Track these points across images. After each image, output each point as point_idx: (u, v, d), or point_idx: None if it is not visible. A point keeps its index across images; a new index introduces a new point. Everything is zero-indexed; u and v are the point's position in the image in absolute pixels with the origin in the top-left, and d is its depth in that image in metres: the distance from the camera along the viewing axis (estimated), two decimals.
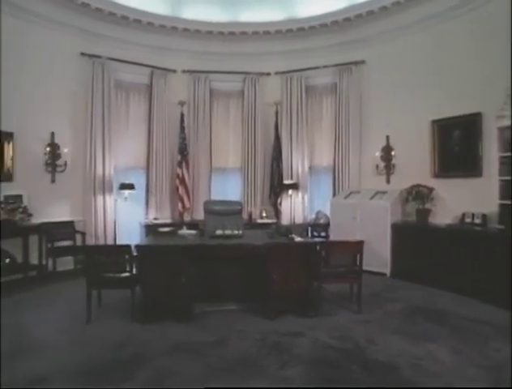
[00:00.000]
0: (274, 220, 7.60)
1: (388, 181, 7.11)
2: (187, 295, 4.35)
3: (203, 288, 4.65)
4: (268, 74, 8.17)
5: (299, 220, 7.84)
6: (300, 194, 7.90)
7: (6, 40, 6.04)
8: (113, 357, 3.51)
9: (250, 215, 7.75)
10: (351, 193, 7.14)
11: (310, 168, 8.05)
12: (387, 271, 6.36)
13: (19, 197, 6.15)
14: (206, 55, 7.97)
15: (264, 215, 7.81)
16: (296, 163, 7.95)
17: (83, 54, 6.96)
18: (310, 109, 8.07)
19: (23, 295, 5.42)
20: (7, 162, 6.11)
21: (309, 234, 7.37)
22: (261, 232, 5.57)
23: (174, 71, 7.92)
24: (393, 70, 7.06)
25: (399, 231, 6.30)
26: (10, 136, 6.11)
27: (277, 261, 4.45)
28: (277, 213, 7.87)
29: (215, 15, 7.76)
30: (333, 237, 6.95)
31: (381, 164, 7.15)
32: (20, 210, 5.94)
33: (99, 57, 7.06)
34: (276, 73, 8.15)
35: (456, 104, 6.05)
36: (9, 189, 6.08)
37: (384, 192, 6.73)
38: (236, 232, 4.94)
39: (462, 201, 5.89)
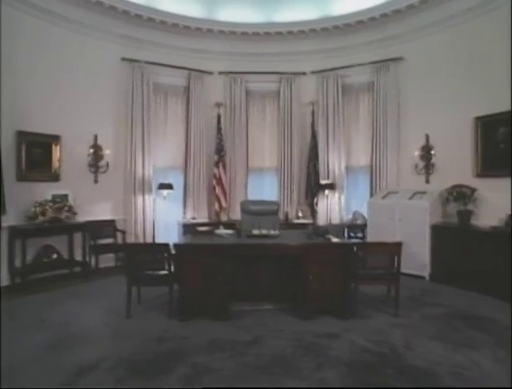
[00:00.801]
0: (310, 221, 7.58)
1: (427, 181, 6.90)
2: (224, 293, 4.42)
3: (239, 287, 4.69)
4: (304, 73, 8.14)
5: (335, 220, 7.76)
6: (336, 195, 7.81)
7: (52, 50, 6.40)
8: (152, 351, 3.64)
9: (286, 215, 7.76)
10: (388, 193, 6.99)
11: (347, 167, 7.94)
12: (426, 274, 6.18)
13: (65, 196, 6.49)
14: (242, 56, 8.04)
15: (300, 215, 7.79)
16: (333, 163, 7.87)
17: (123, 59, 7.22)
18: (347, 108, 7.97)
19: (68, 289, 5.73)
20: (55, 163, 6.46)
21: (346, 235, 7.28)
22: (297, 232, 5.57)
23: (211, 73, 8.04)
24: (432, 65, 6.83)
25: (439, 233, 6.10)
26: (57, 139, 6.46)
27: (313, 261, 4.43)
28: (313, 213, 7.82)
29: (250, 16, 7.82)
30: (370, 238, 6.83)
31: (420, 164, 6.94)
32: (66, 208, 6.26)
33: (138, 61, 7.30)
34: (312, 72, 8.10)
35: (501, 100, 5.77)
36: (56, 188, 6.44)
37: (423, 192, 6.54)
38: (272, 232, 4.96)
39: (507, 202, 5.62)
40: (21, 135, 6.07)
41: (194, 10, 7.61)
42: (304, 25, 7.75)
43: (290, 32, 7.87)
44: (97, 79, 6.92)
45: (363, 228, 7.21)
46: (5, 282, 5.76)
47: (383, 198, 6.94)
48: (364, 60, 7.62)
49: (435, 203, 6.33)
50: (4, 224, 5.63)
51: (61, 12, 6.43)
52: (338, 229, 6.56)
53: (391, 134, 7.31)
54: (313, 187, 7.80)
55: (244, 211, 5.61)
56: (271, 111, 8.31)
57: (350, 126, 7.97)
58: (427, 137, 6.89)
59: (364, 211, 7.25)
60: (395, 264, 4.54)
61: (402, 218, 6.42)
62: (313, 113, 8.01)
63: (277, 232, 5.01)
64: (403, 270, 4.76)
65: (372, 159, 7.55)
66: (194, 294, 4.42)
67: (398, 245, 4.51)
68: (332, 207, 7.84)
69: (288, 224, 7.30)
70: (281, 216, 7.17)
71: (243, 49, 8.01)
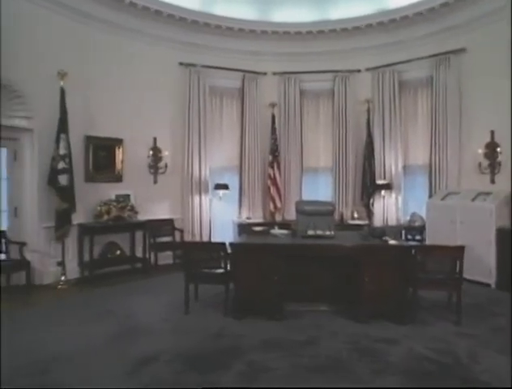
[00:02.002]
0: (366, 222, 7.42)
1: (492, 181, 6.48)
2: (278, 293, 4.45)
3: (294, 288, 4.70)
4: (359, 71, 7.98)
5: (392, 221, 7.54)
6: (393, 195, 7.58)
7: (115, 59, 6.81)
8: (209, 347, 3.76)
9: (342, 215, 7.66)
10: (449, 194, 6.66)
11: (404, 167, 7.68)
12: (492, 281, 5.79)
13: (127, 196, 6.88)
14: (296, 56, 8.04)
15: (356, 216, 7.65)
16: (390, 162, 7.64)
17: (181, 64, 7.50)
18: (404, 105, 7.70)
19: (130, 284, 6.05)
20: (118, 165, 6.88)
21: (403, 237, 7.04)
22: (352, 233, 5.48)
23: (265, 74, 8.12)
24: (498, 57, 6.33)
25: (507, 237, 5.70)
26: (120, 142, 6.86)
27: (370, 263, 4.34)
28: (369, 214, 7.65)
29: (303, 16, 7.78)
30: (429, 240, 6.55)
31: (485, 162, 6.53)
32: (128, 208, 6.64)
33: (195, 65, 7.55)
34: (367, 69, 7.92)
35: None
36: (119, 189, 6.85)
37: (488, 193, 6.14)
38: (328, 232, 4.92)
39: None
40: (88, 140, 6.54)
41: (248, 13, 7.73)
42: (359, 21, 7.59)
43: (344, 29, 7.75)
44: (156, 84, 7.24)
45: (421, 230, 6.93)
46: (75, 274, 6.24)
47: (443, 199, 6.63)
48: (422, 54, 7.29)
49: (501, 204, 5.93)
50: (74, 222, 6.10)
51: (122, 22, 6.83)
52: (395, 231, 6.34)
53: (452, 131, 6.95)
54: (369, 187, 7.63)
55: (299, 211, 5.59)
56: (326, 110, 8.23)
57: (407, 124, 7.70)
58: (492, 134, 6.47)
59: (423, 212, 6.96)
60: (457, 269, 4.32)
61: (463, 220, 6.09)
62: (368, 111, 7.84)
63: (332, 232, 4.96)
64: (466, 276, 4.53)
65: (431, 158, 7.23)
66: (249, 293, 4.49)
67: (461, 249, 4.30)
68: (389, 208, 7.62)
69: (343, 225, 7.21)
70: (336, 217, 7.07)
71: (297, 49, 8.00)
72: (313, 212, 5.45)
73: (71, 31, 6.25)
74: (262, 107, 8.03)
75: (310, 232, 4.94)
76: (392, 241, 4.62)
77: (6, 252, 5.60)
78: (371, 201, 7.66)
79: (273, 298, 4.45)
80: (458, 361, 3.46)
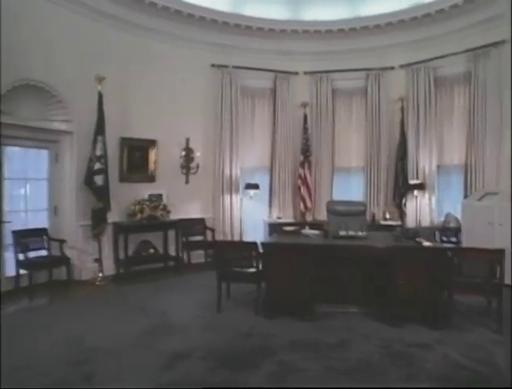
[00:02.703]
0: (398, 222, 7.27)
1: None
2: (309, 294, 4.46)
3: (325, 289, 4.68)
4: (392, 68, 7.81)
5: (425, 222, 7.34)
6: (427, 195, 7.38)
7: (149, 62, 6.97)
8: (240, 345, 3.81)
9: (373, 216, 7.54)
10: (486, 194, 6.41)
11: (439, 166, 7.46)
12: None
13: (160, 196, 7.05)
14: (327, 54, 7.96)
15: (388, 216, 7.52)
16: (423, 161, 7.44)
17: (212, 66, 7.60)
18: (439, 103, 7.46)
19: (163, 281, 6.21)
20: (151, 165, 7.06)
21: (438, 239, 6.85)
22: (384, 234, 5.41)
23: (296, 73, 8.10)
24: None
25: None
26: (153, 143, 7.04)
27: (403, 265, 4.27)
28: (402, 215, 7.49)
29: (335, 14, 7.70)
30: (465, 243, 6.33)
31: None
32: (161, 207, 6.81)
33: (226, 66, 7.63)
34: (401, 66, 7.74)
35: None
36: (152, 188, 7.04)
37: None
38: (359, 233, 4.87)
39: None
40: (123, 141, 6.75)
41: (278, 13, 7.73)
42: (392, 16, 7.40)
43: (377, 26, 7.58)
44: (189, 85, 7.37)
45: (456, 231, 6.71)
46: (111, 271, 6.46)
47: (479, 199, 6.39)
48: (459, 48, 7.02)
49: None
50: (109, 221, 6.31)
51: (155, 26, 6.99)
52: (428, 232, 6.20)
53: (491, 129, 6.68)
54: (402, 187, 7.47)
55: (330, 211, 5.55)
56: (358, 109, 8.12)
57: (443, 122, 7.47)
58: None
59: (458, 213, 6.75)
60: (497, 274, 4.14)
61: (503, 222, 5.86)
62: (402, 109, 7.66)
63: (364, 233, 4.91)
64: (508, 281, 4.33)
65: (467, 157, 6.97)
66: (280, 293, 4.51)
67: (501, 252, 4.12)
68: (422, 209, 7.42)
69: (374, 226, 7.10)
70: (368, 217, 6.97)
71: (328, 47, 7.91)
72: (344, 213, 5.39)
73: (107, 36, 6.46)
74: (293, 107, 8.02)
75: (342, 233, 4.90)
76: (426, 243, 4.52)
77: (48, 248, 5.87)
78: (403, 201, 7.50)
79: (304, 298, 4.45)
80: (496, 371, 3.31)
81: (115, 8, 6.48)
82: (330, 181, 8.04)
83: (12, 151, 5.86)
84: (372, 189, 7.78)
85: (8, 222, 5.58)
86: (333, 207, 5.60)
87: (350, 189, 8.10)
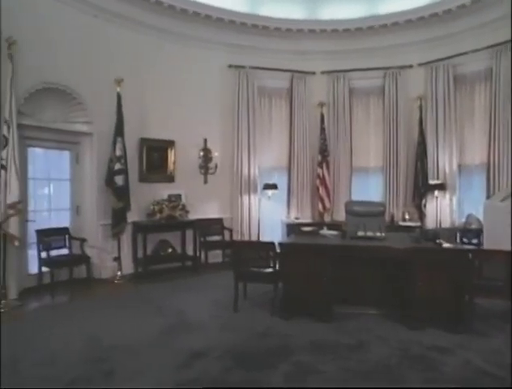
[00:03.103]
0: (418, 224, 7.17)
1: None
2: (327, 294, 4.43)
3: (343, 289, 4.65)
4: (410, 66, 7.70)
5: (446, 224, 7.21)
6: (447, 196, 7.26)
7: (166, 64, 7.06)
8: (257, 345, 3.82)
9: (392, 217, 7.45)
10: (510, 194, 6.25)
11: (459, 166, 7.32)
12: None
13: (179, 196, 7.13)
14: (345, 53, 7.91)
15: (407, 217, 7.41)
16: (443, 161, 7.32)
17: (230, 66, 7.65)
18: (459, 101, 7.33)
19: (180, 281, 6.28)
20: (170, 166, 7.15)
21: (458, 240, 6.72)
22: (404, 235, 5.35)
23: (313, 73, 8.08)
24: None
25: None
26: (172, 144, 7.13)
27: (422, 267, 4.20)
28: (421, 216, 7.38)
29: (352, 12, 7.63)
30: (487, 245, 6.17)
31: None
32: (180, 207, 6.89)
33: (244, 67, 7.66)
34: (420, 64, 7.63)
35: None
36: (171, 189, 7.12)
37: None
38: (378, 234, 4.82)
39: None
40: (142, 142, 6.85)
41: (295, 12, 7.72)
42: (411, 14, 7.29)
43: (395, 24, 7.48)
44: (206, 86, 7.45)
45: (478, 233, 6.56)
46: (130, 270, 6.57)
47: (503, 200, 6.22)
48: (479, 45, 6.87)
49: None
50: (129, 220, 6.42)
51: (174, 28, 7.08)
52: (449, 234, 6.09)
53: None
54: (421, 188, 7.36)
55: (348, 212, 5.51)
56: (376, 108, 8.05)
57: (463, 121, 7.33)
58: None
59: (480, 214, 6.60)
60: None
61: None
62: (420, 108, 7.56)
63: (383, 234, 4.86)
64: None
65: (489, 156, 6.82)
66: (297, 293, 4.51)
67: None
68: (442, 210, 7.30)
69: (393, 227, 7.01)
70: (386, 218, 6.90)
71: (345, 46, 7.86)
72: (363, 213, 5.35)
73: (126, 39, 6.57)
74: (310, 106, 8.00)
75: (360, 234, 4.87)
76: (446, 245, 4.45)
77: (69, 247, 6.00)
78: (423, 202, 7.38)
79: (321, 299, 4.43)
80: None
81: (135, 12, 6.59)
82: (349, 181, 7.98)
83: (35, 153, 6.01)
84: (391, 189, 7.69)
85: (32, 221, 5.74)
86: (351, 208, 5.56)
87: (368, 189, 8.03)
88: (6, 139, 4.84)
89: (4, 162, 4.85)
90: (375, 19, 7.58)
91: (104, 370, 3.30)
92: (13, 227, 4.95)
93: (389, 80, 7.76)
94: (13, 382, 3.11)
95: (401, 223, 7.35)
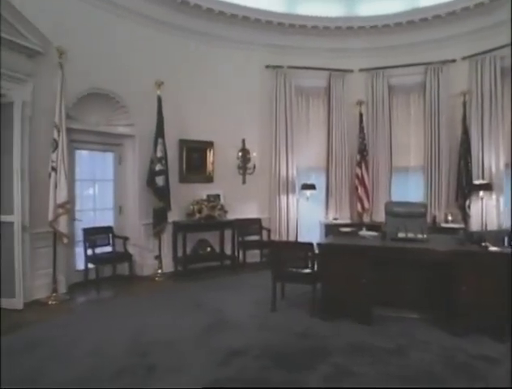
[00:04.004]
0: (461, 225, 6.89)
1: None
2: (366, 297, 4.37)
3: (383, 292, 4.57)
4: (453, 60, 7.38)
5: (492, 226, 6.86)
6: (494, 196, 6.91)
7: (205, 66, 7.18)
8: (295, 346, 3.83)
9: (434, 218, 7.20)
10: None
11: (507, 165, 6.96)
12: None
13: (218, 196, 7.25)
14: (384, 50, 7.73)
15: (450, 218, 7.14)
16: (489, 160, 6.98)
17: (267, 66, 7.68)
18: (507, 96, 6.91)
19: (219, 279, 6.39)
20: (209, 167, 7.29)
21: (506, 243, 6.38)
22: (446, 237, 5.19)
23: (351, 71, 7.96)
24: None
25: None
26: (211, 145, 7.26)
27: (467, 271, 4.05)
28: (465, 217, 7.09)
29: (391, 7, 7.42)
30: None
31: None
32: (219, 207, 7.01)
33: (281, 67, 7.66)
34: (463, 58, 7.29)
35: None
36: (210, 189, 7.25)
37: None
38: (419, 235, 4.68)
39: None
40: (182, 143, 7.02)
41: (333, 10, 7.63)
42: (453, 5, 6.96)
43: (437, 16, 7.18)
44: (244, 87, 7.51)
45: None
46: (170, 268, 6.75)
47: None
48: None
49: None
50: (169, 220, 6.60)
51: (211, 31, 7.19)
52: (496, 236, 5.80)
53: None
54: (465, 188, 7.06)
55: (388, 212, 5.38)
56: (416, 106, 7.81)
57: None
58: None
59: None
60: None
61: None
62: (464, 104, 7.24)
63: (425, 236, 4.71)
64: None
65: None
66: (336, 294, 4.47)
67: None
68: (488, 211, 6.95)
69: (435, 228, 6.76)
70: (428, 219, 6.68)
71: (384, 43, 7.68)
72: (403, 214, 5.20)
73: (165, 43, 6.75)
74: (349, 105, 7.88)
75: (401, 235, 4.74)
76: (493, 248, 4.26)
77: (113, 245, 6.25)
78: (467, 203, 7.08)
79: (361, 301, 4.38)
80: None
81: (173, 16, 6.74)
82: (388, 181, 7.79)
83: (82, 155, 6.30)
84: (432, 189, 7.41)
85: (79, 220, 6.03)
86: (391, 209, 5.43)
87: (408, 189, 7.80)
88: (56, 143, 5.10)
89: (54, 164, 5.10)
90: (415, 12, 7.33)
91: (146, 364, 3.42)
92: (62, 225, 5.21)
93: (430, 76, 7.50)
94: (67, 370, 3.30)
95: (443, 224, 7.08)
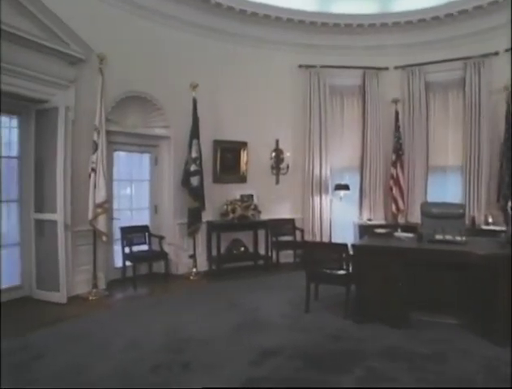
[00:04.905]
0: (503, 228, 6.58)
1: None
2: (402, 300, 4.28)
3: (419, 295, 4.44)
4: (496, 53, 6.99)
5: None
6: None
7: (238, 67, 7.23)
8: (328, 348, 3.79)
9: (473, 219, 6.93)
10: None
11: None
12: None
13: (251, 196, 7.30)
14: (420, 46, 7.53)
15: (490, 220, 6.83)
16: None
17: (300, 66, 7.65)
18: None
19: (252, 279, 6.43)
20: (242, 167, 7.36)
21: None
22: (487, 240, 4.97)
23: (386, 69, 7.80)
24: None
25: None
26: (244, 145, 7.32)
27: (509, 276, 3.87)
28: (507, 219, 6.76)
29: (426, 1, 7.16)
30: None
31: None
32: (252, 207, 7.06)
33: (314, 66, 7.62)
34: (507, 50, 6.85)
35: None
36: (243, 189, 7.32)
37: None
38: (458, 238, 4.53)
39: None
40: (216, 144, 7.12)
41: (366, 7, 7.50)
42: None
43: (478, 8, 6.83)
44: (277, 87, 7.52)
45: None
46: (204, 267, 6.89)
47: None
48: None
49: None
50: (204, 219, 6.71)
51: (245, 32, 7.25)
52: None
53: None
54: (507, 188, 6.74)
55: (425, 213, 5.24)
56: (455, 103, 7.54)
57: None
58: None
59: None
60: None
61: None
62: (507, 100, 6.89)
63: (464, 238, 4.56)
64: None
65: None
66: (371, 297, 4.40)
67: None
68: None
69: (474, 230, 6.48)
70: (466, 221, 6.44)
71: (420, 38, 7.46)
72: (441, 215, 5.05)
73: (198, 45, 6.87)
74: (384, 104, 7.72)
75: (438, 237, 4.60)
76: None
77: (149, 244, 6.42)
78: (509, 204, 6.73)
79: (396, 304, 4.29)
80: None
81: (208, 19, 6.86)
82: (424, 181, 7.57)
83: (119, 156, 6.52)
84: (471, 190, 7.11)
85: (117, 219, 6.25)
86: (428, 209, 5.28)
87: (446, 190, 7.54)
88: (96, 145, 5.31)
89: (94, 165, 5.31)
90: (453, 5, 7.02)
91: (181, 361, 3.50)
92: (101, 224, 5.41)
93: (470, 71, 7.20)
94: (107, 363, 3.44)
95: (483, 226, 6.79)
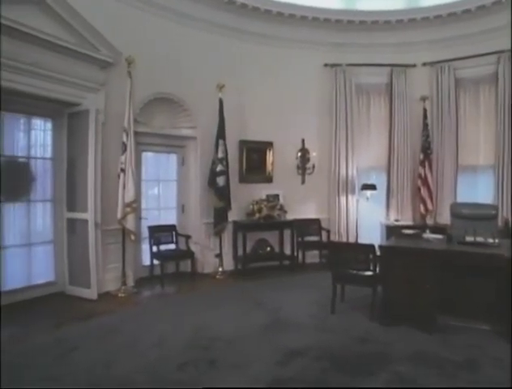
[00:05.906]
0: None
1: None
2: (431, 303, 4.18)
3: (449, 299, 4.34)
4: None
5: None
6: None
7: (264, 67, 7.25)
8: (354, 350, 3.76)
9: (506, 221, 6.64)
10: None
11: None
12: None
13: (277, 196, 7.31)
14: (449, 41, 7.29)
15: None
16: None
17: (326, 65, 7.59)
18: None
19: (278, 279, 6.44)
20: (268, 167, 7.37)
21: None
22: None
23: (414, 66, 7.63)
24: None
25: None
26: (270, 145, 7.33)
27: None
28: None
29: None
30: None
31: None
32: (278, 207, 7.07)
33: (340, 65, 7.54)
34: None
35: None
36: (269, 189, 7.33)
37: None
38: (490, 240, 4.39)
39: None
40: (242, 144, 7.16)
41: (393, 2, 7.32)
42: None
43: (497, 3, 6.58)
44: (303, 87, 7.48)
45: None
46: (230, 266, 6.94)
47: None
48: None
49: None
50: (229, 219, 6.76)
51: (271, 32, 7.23)
52: None
53: None
54: None
55: (454, 214, 5.14)
56: (487, 99, 7.26)
57: None
58: None
59: None
60: None
61: None
62: None
63: (496, 240, 4.42)
64: None
65: None
66: (398, 299, 4.33)
67: None
68: None
69: (508, 233, 6.27)
70: (499, 223, 6.23)
71: (450, 33, 7.21)
72: (471, 216, 4.94)
73: (225, 46, 6.91)
74: (411, 101, 7.56)
75: (469, 239, 4.48)
76: None
77: (176, 243, 6.53)
78: None
79: (424, 307, 4.20)
80: None
81: (233, 19, 6.88)
82: (454, 181, 7.33)
83: (147, 156, 6.66)
84: (504, 190, 6.79)
85: (145, 218, 6.39)
86: (458, 210, 5.18)
87: (477, 190, 7.26)
88: (125, 145, 5.44)
89: (123, 166, 5.44)
90: None
91: (208, 359, 3.55)
92: (130, 223, 5.54)
93: (503, 65, 6.88)
94: (136, 359, 3.53)
95: None
